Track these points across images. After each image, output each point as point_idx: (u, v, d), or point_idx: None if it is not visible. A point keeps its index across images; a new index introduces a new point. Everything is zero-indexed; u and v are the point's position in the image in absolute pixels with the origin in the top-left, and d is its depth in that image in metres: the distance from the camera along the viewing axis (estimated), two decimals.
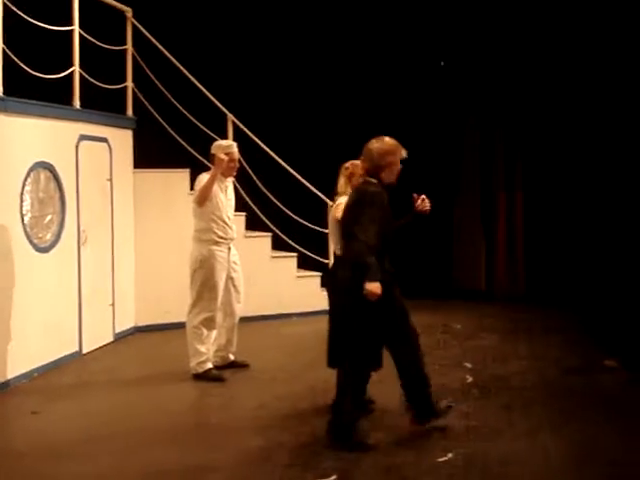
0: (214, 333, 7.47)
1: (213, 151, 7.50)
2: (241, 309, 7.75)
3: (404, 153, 5.66)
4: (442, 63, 12.05)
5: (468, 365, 7.75)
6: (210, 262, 7.30)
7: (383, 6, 11.39)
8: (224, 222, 7.40)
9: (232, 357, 7.76)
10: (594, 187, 11.01)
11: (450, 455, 5.26)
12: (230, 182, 7.71)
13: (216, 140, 8.02)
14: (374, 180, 5.58)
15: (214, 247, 7.33)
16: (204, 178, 7.36)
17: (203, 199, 7.26)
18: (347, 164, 6.35)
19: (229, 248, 7.48)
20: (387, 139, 5.63)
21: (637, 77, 9.77)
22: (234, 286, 7.58)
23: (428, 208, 5.86)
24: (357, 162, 6.12)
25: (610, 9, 10.60)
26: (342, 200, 6.09)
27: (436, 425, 5.79)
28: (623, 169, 9.65)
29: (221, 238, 7.38)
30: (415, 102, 11.75)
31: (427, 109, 11.83)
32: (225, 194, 7.50)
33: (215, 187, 7.31)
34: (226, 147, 7.54)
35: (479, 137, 12.38)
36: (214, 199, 7.33)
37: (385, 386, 6.89)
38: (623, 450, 5.36)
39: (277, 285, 10.37)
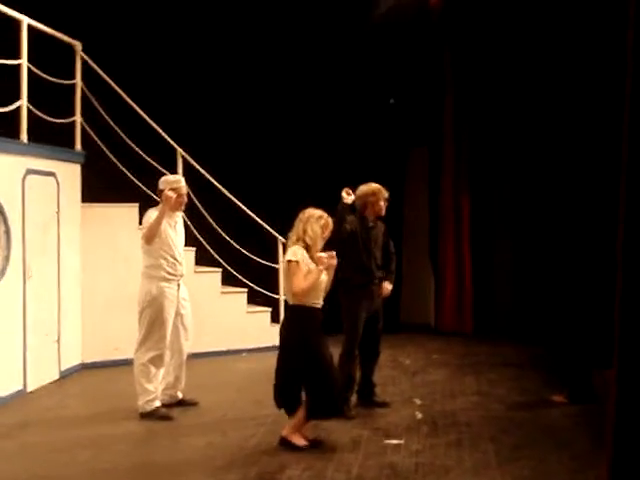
0: (162, 371, 7.38)
1: (161, 186, 7.46)
2: (189, 346, 7.68)
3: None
4: (392, 101, 12.19)
5: (417, 401, 7.77)
6: (159, 299, 7.22)
7: (335, 48, 11.48)
8: (174, 258, 7.35)
9: (181, 395, 7.66)
10: (543, 221, 11.16)
11: None
12: (179, 217, 7.66)
13: (165, 175, 7.99)
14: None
15: (163, 284, 7.26)
16: (152, 215, 7.29)
17: (151, 237, 7.20)
18: (321, 213, 6.34)
19: (178, 285, 7.42)
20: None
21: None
22: (182, 323, 7.51)
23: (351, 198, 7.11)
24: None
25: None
26: (298, 251, 6.16)
27: None
28: (573, 202, 9.82)
29: (170, 275, 7.32)
30: (362, 135, 11.84)
31: (374, 145, 11.92)
32: (174, 230, 7.45)
33: (164, 223, 7.25)
34: (173, 182, 7.50)
35: (426, 171, 12.55)
36: (163, 235, 7.27)
37: (334, 424, 6.90)
38: None
39: (227, 321, 10.30)
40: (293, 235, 6.32)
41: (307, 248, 6.22)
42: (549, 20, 10.54)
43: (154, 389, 7.26)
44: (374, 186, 7.49)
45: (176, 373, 7.58)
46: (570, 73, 9.96)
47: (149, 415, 7.18)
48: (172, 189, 7.32)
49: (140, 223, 9.64)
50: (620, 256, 2.90)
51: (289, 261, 6.20)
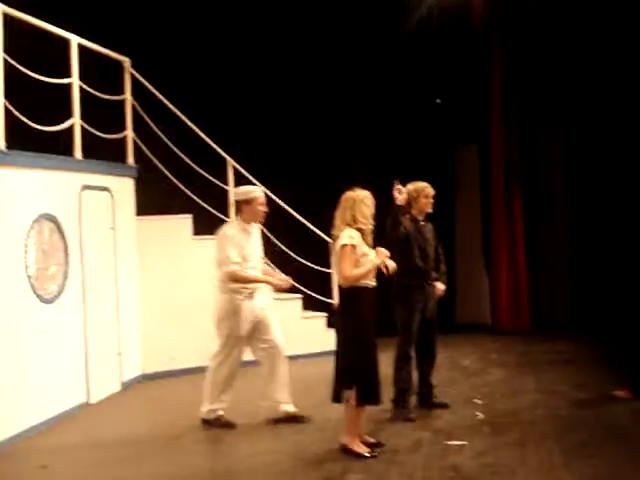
0: (234, 383, 7.29)
1: (236, 198, 7.31)
2: (283, 348, 7.39)
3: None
4: (438, 100, 12.16)
5: (478, 401, 7.70)
6: (234, 313, 7.06)
7: (382, 50, 11.51)
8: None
9: (286, 408, 7.27)
10: (600, 215, 11.00)
11: None
12: (255, 227, 7.36)
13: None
14: None
15: (238, 297, 7.07)
16: (229, 233, 7.04)
17: (237, 281, 7.01)
18: (365, 193, 6.17)
19: (255, 296, 7.20)
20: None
21: None
22: (265, 330, 7.27)
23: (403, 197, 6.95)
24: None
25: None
26: (355, 234, 6.02)
27: None
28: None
29: (245, 288, 7.12)
30: (410, 135, 11.82)
31: (422, 144, 11.89)
32: (250, 240, 7.14)
33: (239, 234, 7.06)
34: (249, 192, 7.21)
35: (477, 167, 12.47)
36: (238, 247, 7.01)
37: (394, 426, 6.88)
38: None
39: (282, 327, 10.28)
40: (340, 222, 6.11)
41: (360, 232, 6.07)
42: (599, 17, 10.41)
43: (222, 400, 7.21)
44: (417, 184, 7.46)
45: (269, 382, 7.24)
46: (624, 68, 9.84)
47: (211, 423, 7.22)
48: (250, 198, 7.12)
49: (195, 233, 9.80)
50: None
51: (344, 245, 6.00)
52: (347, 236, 6.05)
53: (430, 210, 7.50)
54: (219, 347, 7.19)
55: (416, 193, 7.41)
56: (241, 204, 7.18)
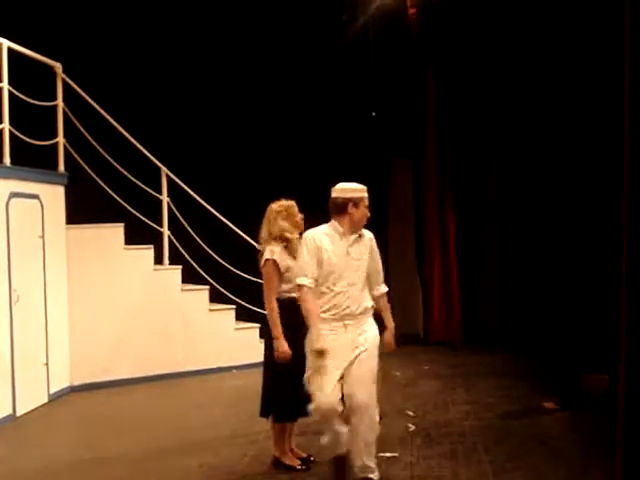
0: None
1: (343, 195, 5.43)
2: None
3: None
4: (373, 113, 12.23)
5: (410, 413, 7.75)
6: None
7: (317, 62, 11.55)
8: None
9: None
10: (529, 230, 11.19)
11: None
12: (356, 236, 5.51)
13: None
14: None
15: None
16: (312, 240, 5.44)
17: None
18: (279, 206, 6.09)
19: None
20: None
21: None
22: None
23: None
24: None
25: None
26: (275, 249, 5.96)
27: None
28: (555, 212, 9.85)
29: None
30: (345, 148, 11.86)
31: (357, 157, 11.93)
32: (348, 255, 5.45)
33: (331, 246, 5.42)
34: (357, 190, 5.50)
35: (411, 181, 12.59)
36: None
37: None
38: None
39: (216, 338, 10.26)
40: (265, 235, 6.08)
41: (286, 242, 6.00)
42: (531, 28, 10.59)
43: None
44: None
45: None
46: (553, 80, 10.03)
47: None
48: (358, 199, 5.46)
49: (126, 242, 9.68)
50: (625, 266, 2.94)
51: (266, 260, 5.96)
52: (269, 250, 6.00)
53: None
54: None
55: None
56: (347, 204, 5.42)
